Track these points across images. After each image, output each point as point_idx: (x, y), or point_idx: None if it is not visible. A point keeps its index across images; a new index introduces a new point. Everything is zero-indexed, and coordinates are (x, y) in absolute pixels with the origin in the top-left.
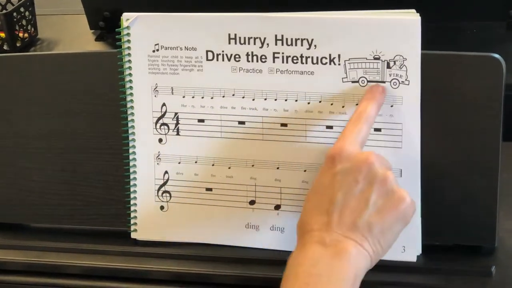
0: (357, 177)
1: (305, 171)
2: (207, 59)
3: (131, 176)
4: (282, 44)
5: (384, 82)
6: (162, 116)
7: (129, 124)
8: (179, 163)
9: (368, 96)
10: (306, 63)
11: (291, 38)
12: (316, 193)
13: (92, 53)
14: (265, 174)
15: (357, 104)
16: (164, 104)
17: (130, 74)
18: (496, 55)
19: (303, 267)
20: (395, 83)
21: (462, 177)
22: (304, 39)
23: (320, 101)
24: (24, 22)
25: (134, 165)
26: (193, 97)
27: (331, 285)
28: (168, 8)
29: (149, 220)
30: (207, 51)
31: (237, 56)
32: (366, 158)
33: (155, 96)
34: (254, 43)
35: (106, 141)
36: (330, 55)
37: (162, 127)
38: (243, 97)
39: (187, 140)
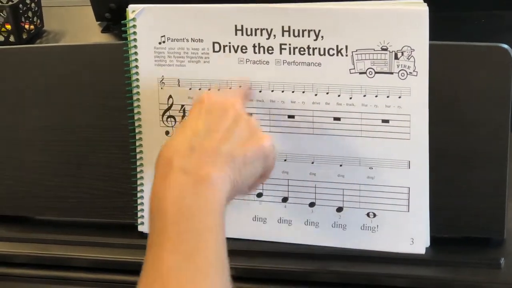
0: (222, 115)
1: (312, 163)
2: (214, 51)
3: (138, 169)
4: (289, 36)
5: (392, 73)
6: (169, 108)
7: (136, 117)
8: None
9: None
10: (313, 54)
11: (298, 29)
12: (181, 126)
13: (98, 44)
14: None
15: (364, 96)
16: (170, 96)
17: (136, 66)
18: (505, 45)
19: (168, 200)
20: (403, 74)
21: (470, 169)
22: (311, 30)
23: (327, 93)
24: (30, 14)
25: (141, 158)
26: (199, 89)
27: (202, 214)
28: (174, 0)
29: None
30: (213, 43)
31: (244, 48)
32: (233, 102)
33: (162, 88)
34: (261, 35)
35: (112, 134)
36: (337, 46)
37: (169, 119)
38: (250, 89)
39: None
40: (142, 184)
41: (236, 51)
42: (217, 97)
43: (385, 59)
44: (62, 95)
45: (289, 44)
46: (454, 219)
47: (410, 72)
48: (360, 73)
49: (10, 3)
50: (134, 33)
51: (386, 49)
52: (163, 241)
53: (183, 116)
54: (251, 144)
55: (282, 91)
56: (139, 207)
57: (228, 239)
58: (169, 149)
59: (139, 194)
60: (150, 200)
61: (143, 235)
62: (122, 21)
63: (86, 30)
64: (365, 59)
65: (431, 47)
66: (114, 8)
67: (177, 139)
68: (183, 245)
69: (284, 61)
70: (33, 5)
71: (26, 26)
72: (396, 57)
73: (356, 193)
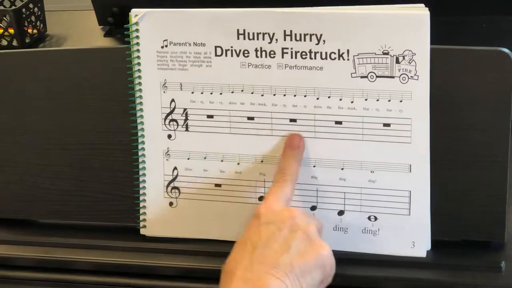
0: (280, 227)
1: (314, 166)
2: (216, 55)
3: (140, 172)
4: (291, 40)
5: (393, 77)
6: (171, 112)
7: (138, 120)
8: (188, 159)
9: (288, 152)
10: (315, 58)
11: (300, 34)
12: (241, 243)
13: (101, 48)
14: (274, 169)
15: (366, 100)
16: (173, 100)
17: (139, 70)
18: (505, 50)
19: None
20: (404, 78)
21: (471, 173)
22: (313, 34)
23: (329, 97)
24: (33, 18)
25: (143, 161)
26: (202, 93)
27: None
28: (176, 4)
29: (158, 216)
30: (215, 47)
31: (246, 52)
32: (290, 213)
33: (164, 92)
34: (263, 39)
35: (114, 137)
36: (339, 50)
37: (171, 123)
38: (252, 93)
39: (196, 136)
40: (144, 188)
41: (238, 55)
42: (273, 208)
43: (386, 63)
44: (65, 98)
45: (291, 48)
46: (455, 222)
47: (411, 76)
48: (362, 77)
49: (13, 7)
50: (137, 37)
51: (387, 53)
52: None
53: (185, 120)
54: (309, 254)
55: (284, 95)
56: (141, 211)
57: (230, 242)
58: (231, 263)
59: (141, 198)
60: None
61: (145, 238)
62: (125, 25)
63: (88, 34)
64: (367, 63)
65: (432, 51)
66: (117, 12)
67: (239, 254)
68: None
69: (286, 65)
70: (36, 9)
71: (29, 30)
72: (397, 61)
73: (358, 196)
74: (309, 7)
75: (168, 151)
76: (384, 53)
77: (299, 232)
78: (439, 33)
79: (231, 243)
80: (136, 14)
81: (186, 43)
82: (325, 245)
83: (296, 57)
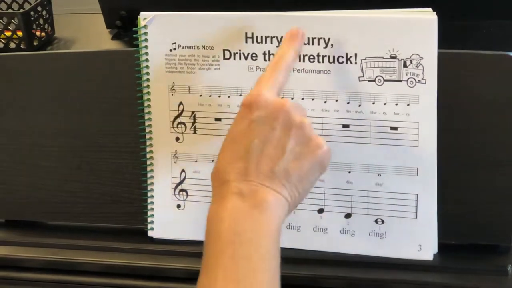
0: (273, 125)
1: None
2: (224, 58)
3: (148, 175)
4: None
5: (400, 81)
6: (179, 114)
7: (146, 123)
8: (196, 161)
9: (287, 40)
10: (323, 62)
11: (307, 37)
12: (232, 141)
13: (109, 51)
14: None
15: (373, 103)
16: (181, 103)
17: (147, 73)
18: None
19: (225, 224)
20: (411, 82)
21: (478, 176)
22: (321, 38)
23: (336, 100)
24: (41, 21)
25: (151, 164)
26: (210, 96)
27: (256, 240)
28: (185, 7)
29: (165, 219)
30: (224, 50)
31: (254, 55)
32: (282, 105)
33: (172, 94)
34: (271, 42)
35: (123, 140)
36: (346, 54)
37: (179, 125)
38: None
39: (204, 138)
40: (152, 190)
41: (246, 59)
42: (265, 100)
43: (394, 67)
44: (73, 101)
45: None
46: (462, 226)
47: (418, 80)
48: (369, 80)
49: (22, 10)
50: (146, 40)
51: (395, 57)
52: (217, 267)
53: (193, 123)
54: (305, 156)
55: (292, 98)
56: (149, 213)
57: None
58: (224, 166)
59: (149, 200)
60: (207, 220)
61: (153, 241)
62: (134, 29)
63: (96, 37)
64: (374, 67)
65: (439, 55)
66: (125, 16)
67: (231, 156)
68: (236, 273)
69: (294, 69)
70: (44, 12)
71: (38, 33)
72: (405, 65)
73: (365, 199)
74: (317, 11)
75: (176, 154)
76: (391, 57)
77: (293, 129)
78: (447, 37)
79: None
80: (145, 17)
81: (194, 46)
82: (321, 141)
83: (304, 61)
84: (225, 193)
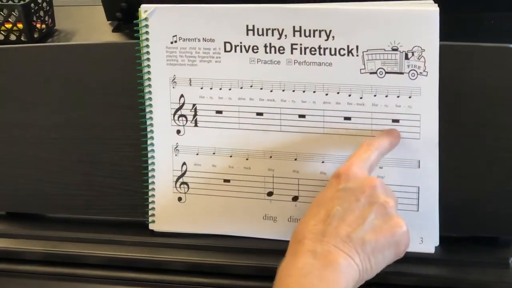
0: (358, 196)
1: (323, 162)
2: (225, 51)
3: (149, 167)
4: (300, 36)
5: (402, 73)
6: (180, 107)
7: (147, 116)
8: (197, 154)
9: (386, 132)
10: (324, 54)
11: (309, 30)
12: (316, 206)
13: (109, 44)
14: (283, 165)
15: (375, 96)
16: (182, 96)
17: (148, 66)
18: None
19: (293, 278)
20: (413, 74)
21: (479, 169)
22: (322, 30)
23: (338, 92)
24: (41, 13)
25: (152, 156)
26: (211, 88)
27: None
28: (186, 0)
29: (166, 211)
30: (225, 43)
31: (255, 48)
32: (372, 182)
33: (173, 87)
34: (272, 35)
35: (123, 132)
36: (348, 46)
37: (180, 118)
38: (261, 89)
39: (205, 131)
40: (153, 183)
41: (247, 51)
42: (354, 173)
43: (395, 59)
44: (73, 93)
45: (300, 44)
46: (463, 218)
47: (420, 72)
48: (371, 73)
49: (22, 2)
50: (146, 32)
51: (396, 49)
52: None
53: (194, 116)
54: (383, 231)
55: (293, 91)
56: (150, 206)
57: (238, 237)
58: (303, 228)
59: (150, 193)
60: (277, 273)
61: (154, 233)
62: (135, 21)
63: (97, 30)
64: (376, 59)
65: (441, 48)
66: (125, 8)
67: (312, 219)
68: None
69: (295, 61)
70: (44, 4)
71: (38, 25)
72: (406, 57)
73: None
74: (319, 3)
75: (177, 147)
76: (393, 49)
77: (376, 205)
78: (448, 30)
79: (240, 238)
80: (146, 10)
81: (195, 38)
82: (401, 222)
83: (305, 53)
84: (299, 250)
